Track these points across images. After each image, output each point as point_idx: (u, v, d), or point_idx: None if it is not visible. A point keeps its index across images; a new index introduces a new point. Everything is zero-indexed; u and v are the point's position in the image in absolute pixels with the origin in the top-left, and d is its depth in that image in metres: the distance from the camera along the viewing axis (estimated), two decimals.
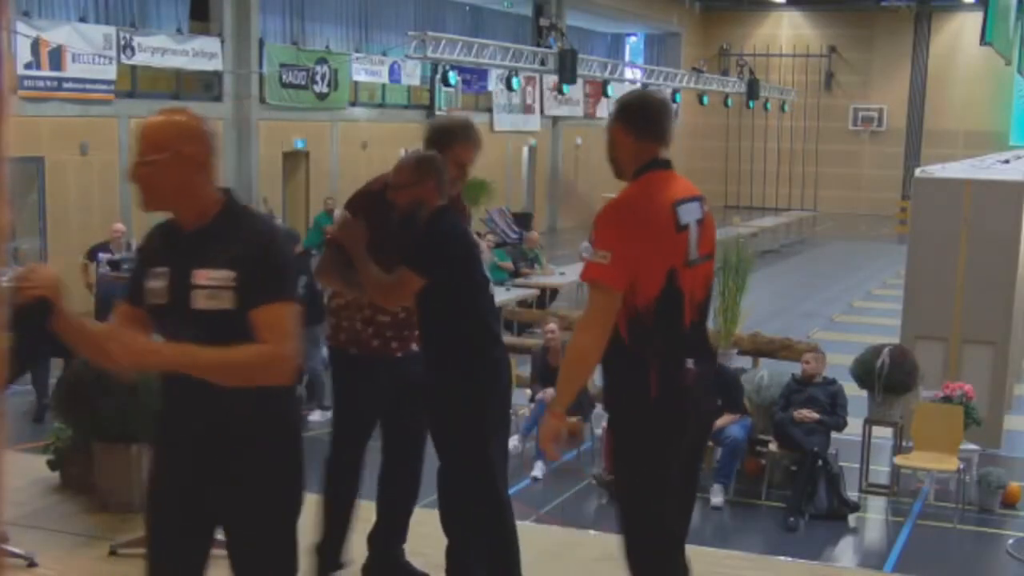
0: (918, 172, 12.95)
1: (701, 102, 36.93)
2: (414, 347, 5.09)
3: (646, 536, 4.11)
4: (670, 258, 3.93)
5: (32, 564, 5.65)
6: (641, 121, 4.06)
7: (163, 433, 3.53)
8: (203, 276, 3.30)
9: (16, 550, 5.64)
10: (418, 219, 4.67)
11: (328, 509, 5.35)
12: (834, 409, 10.11)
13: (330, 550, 5.35)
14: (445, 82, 25.18)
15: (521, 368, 11.58)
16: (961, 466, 9.90)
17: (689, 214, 4.02)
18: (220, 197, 3.46)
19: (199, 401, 3.33)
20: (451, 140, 4.92)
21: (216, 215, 3.42)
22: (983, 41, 20.17)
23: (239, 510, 3.45)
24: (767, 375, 10.96)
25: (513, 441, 11.11)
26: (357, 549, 5.42)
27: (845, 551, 9.40)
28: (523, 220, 25.77)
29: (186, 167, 3.37)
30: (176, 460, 3.46)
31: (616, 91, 32.19)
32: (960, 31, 40.46)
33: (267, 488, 3.42)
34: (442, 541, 4.96)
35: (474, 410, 4.74)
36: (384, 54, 26.58)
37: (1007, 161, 15.24)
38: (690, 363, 3.98)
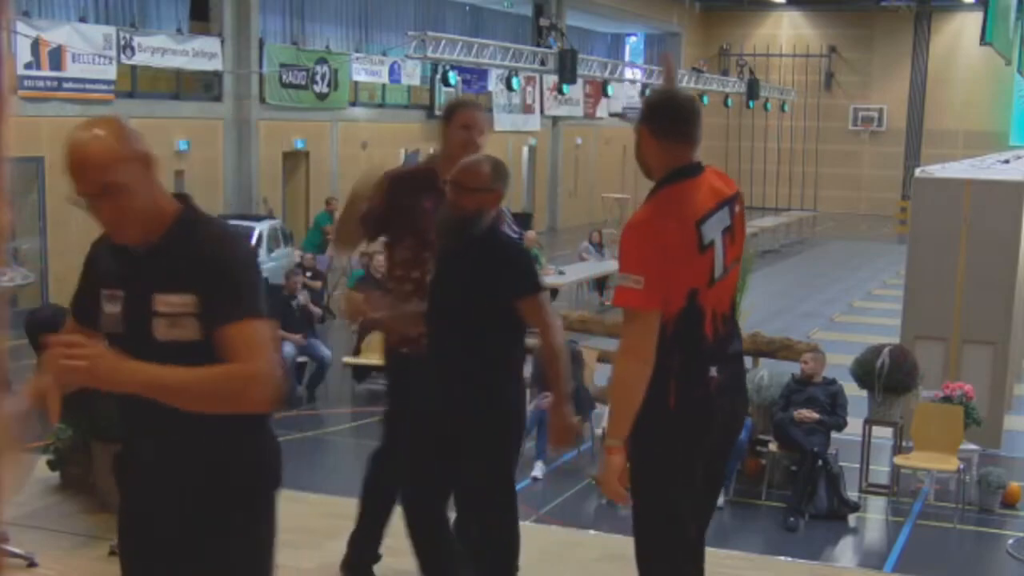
0: (918, 172, 12.94)
1: (701, 102, 36.90)
2: None
3: (659, 541, 4.07)
4: (692, 279, 3.81)
5: (32, 564, 5.65)
6: (665, 122, 3.87)
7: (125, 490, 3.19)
8: (163, 302, 2.92)
9: (16, 550, 5.64)
10: (479, 225, 4.49)
11: (370, 502, 5.29)
12: (834, 409, 10.11)
13: (368, 543, 5.32)
14: (445, 82, 25.17)
15: None
16: (961, 466, 9.91)
17: (714, 228, 3.86)
18: (176, 205, 3.02)
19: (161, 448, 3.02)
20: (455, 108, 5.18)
21: (169, 227, 2.98)
22: (983, 41, 20.18)
23: None
24: (767, 375, 10.96)
25: None
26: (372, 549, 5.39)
27: (845, 551, 9.40)
28: (523, 220, 25.78)
29: (148, 172, 2.93)
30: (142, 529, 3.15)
31: (616, 91, 32.28)
32: (960, 31, 40.47)
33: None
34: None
35: (517, 428, 4.68)
36: (384, 54, 26.59)
37: (1007, 161, 15.25)
38: (713, 371, 3.89)
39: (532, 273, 4.60)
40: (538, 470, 10.53)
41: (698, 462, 3.96)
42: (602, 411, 10.71)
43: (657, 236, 3.76)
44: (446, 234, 4.57)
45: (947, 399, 10.38)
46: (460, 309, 4.47)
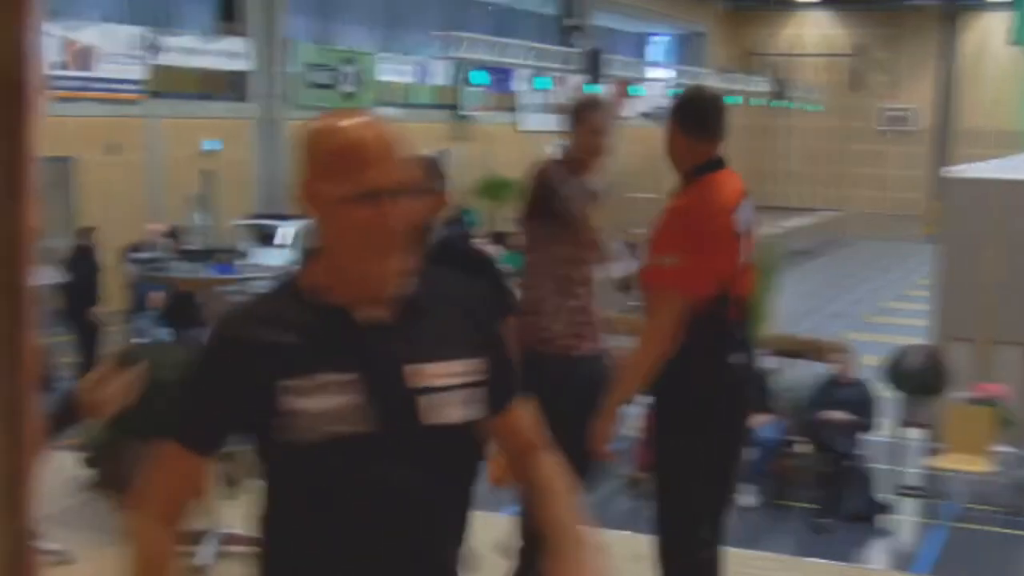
0: (947, 172, 12.87)
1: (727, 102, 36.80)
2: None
3: (680, 534, 4.10)
4: (724, 267, 3.95)
5: (66, 561, 5.67)
6: (692, 119, 4.05)
7: None
8: (436, 373, 2.12)
9: (51, 547, 5.66)
10: (427, 238, 4.34)
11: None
12: (865, 410, 10.06)
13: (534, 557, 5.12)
14: (471, 82, 25.22)
15: None
16: (993, 468, 9.84)
17: (743, 218, 4.03)
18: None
19: None
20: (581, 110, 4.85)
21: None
22: (1011, 42, 20.08)
23: None
24: (797, 376, 10.91)
25: None
26: None
27: (876, 553, 9.36)
28: None
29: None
30: None
31: (644, 91, 32.24)
32: (988, 30, 40.25)
33: None
34: (472, 539, 4.90)
35: None
36: (410, 54, 26.61)
37: None
38: (735, 358, 4.04)
39: (506, 291, 4.54)
40: None
41: (720, 449, 4.03)
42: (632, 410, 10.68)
43: (699, 222, 3.90)
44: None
45: (978, 400, 10.32)
46: None
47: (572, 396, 4.49)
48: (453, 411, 2.11)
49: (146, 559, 2.14)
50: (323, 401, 2.03)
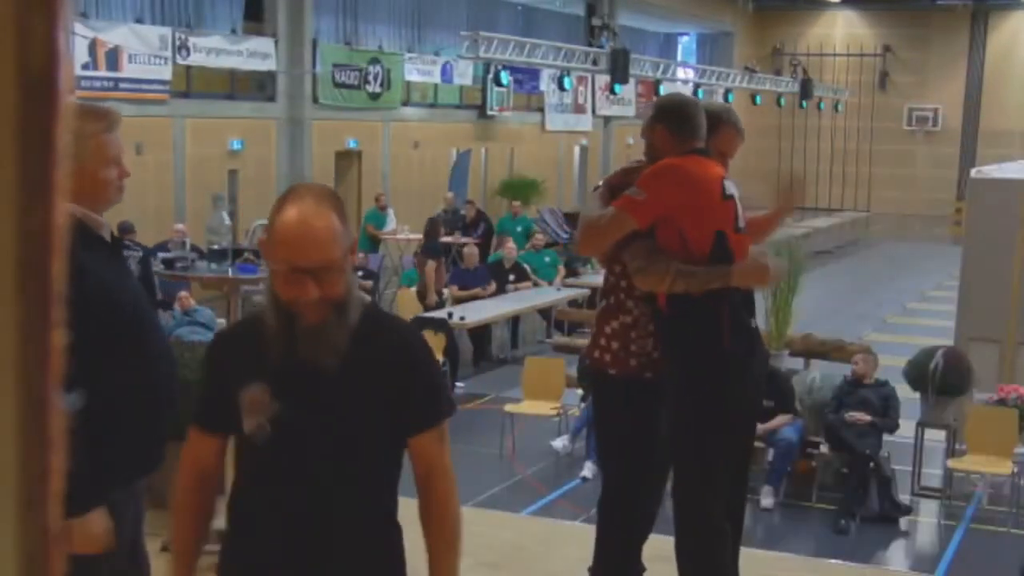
0: (974, 173, 12.83)
1: (754, 102, 36.73)
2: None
3: (698, 502, 4.25)
4: (718, 222, 4.34)
5: None
6: (679, 122, 4.49)
7: None
8: None
9: None
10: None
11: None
12: (886, 411, 10.04)
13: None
14: (497, 82, 25.23)
15: (570, 368, 11.59)
16: (1016, 469, 9.81)
17: (731, 187, 4.44)
18: None
19: None
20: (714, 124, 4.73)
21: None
22: None
23: None
24: (819, 377, 10.90)
25: (564, 441, 11.14)
26: None
27: (896, 554, 9.34)
28: (574, 220, 25.73)
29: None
30: None
31: (668, 91, 32.16)
32: (1018, 30, 40.03)
33: None
34: (494, 539, 4.97)
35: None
36: (436, 54, 26.66)
37: None
38: (752, 322, 4.47)
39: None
40: (587, 470, 10.52)
41: (738, 414, 4.27)
42: None
43: (681, 172, 4.37)
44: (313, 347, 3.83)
45: (1002, 402, 10.28)
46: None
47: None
48: None
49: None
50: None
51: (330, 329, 2.69)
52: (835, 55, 43.23)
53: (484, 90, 27.77)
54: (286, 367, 2.72)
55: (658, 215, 4.31)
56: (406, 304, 15.63)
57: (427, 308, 15.46)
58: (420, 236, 18.24)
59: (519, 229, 20.90)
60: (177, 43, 19.29)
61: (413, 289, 16.47)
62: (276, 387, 2.74)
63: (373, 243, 20.69)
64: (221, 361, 2.92)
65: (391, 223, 21.41)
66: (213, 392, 2.92)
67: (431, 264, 16.55)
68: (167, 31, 19.22)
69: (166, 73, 19.13)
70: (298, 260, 2.62)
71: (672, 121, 4.48)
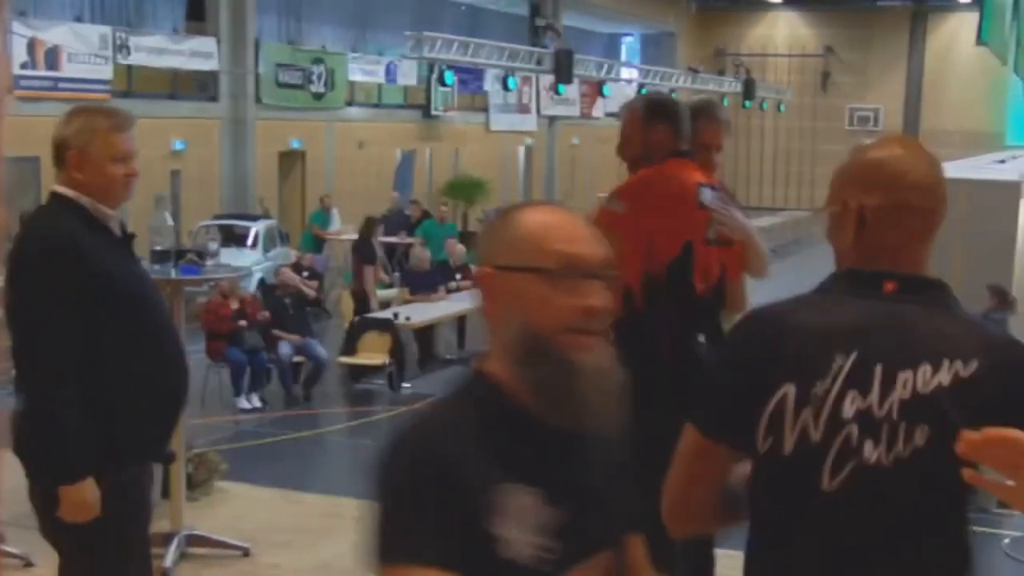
0: None
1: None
2: None
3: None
4: (688, 231, 4.23)
5: (29, 564, 5.64)
6: (683, 121, 4.42)
7: None
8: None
9: (13, 550, 5.63)
10: None
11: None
12: None
13: None
14: (441, 82, 25.18)
15: None
16: None
17: (708, 196, 4.30)
18: None
19: None
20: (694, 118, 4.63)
21: None
22: (979, 41, 20.18)
23: None
24: None
25: None
26: None
27: None
28: None
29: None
30: None
31: (612, 91, 32.27)
32: (957, 31, 40.48)
33: None
34: None
35: None
36: (380, 54, 26.58)
37: (1003, 161, 15.26)
38: (701, 338, 4.26)
39: None
40: None
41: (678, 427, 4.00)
42: None
43: (654, 186, 4.28)
44: None
45: None
46: None
47: None
48: None
49: None
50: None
51: None
52: (777, 56, 43.53)
53: (428, 90, 27.70)
54: None
55: (641, 228, 4.16)
56: (348, 304, 15.55)
57: (369, 311, 15.37)
58: None
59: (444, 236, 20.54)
60: (118, 43, 19.09)
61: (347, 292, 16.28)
62: None
63: (318, 244, 20.57)
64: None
65: (335, 223, 21.28)
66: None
67: (368, 270, 16.24)
68: (107, 30, 19.02)
69: (106, 73, 18.92)
70: None
71: (674, 120, 4.39)
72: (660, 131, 4.37)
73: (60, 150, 3.53)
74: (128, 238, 3.79)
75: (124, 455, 3.55)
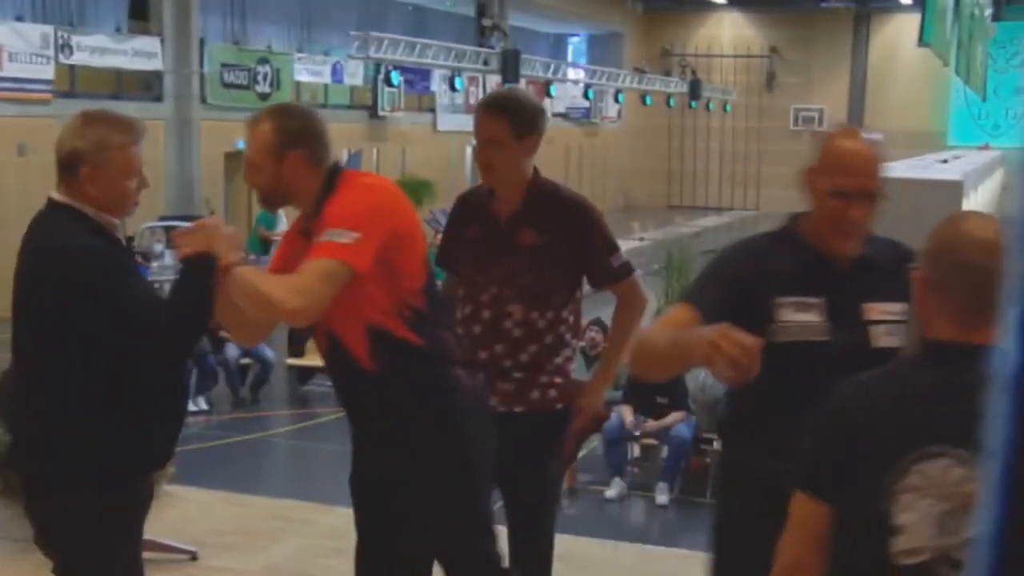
0: None
1: (644, 102, 37.05)
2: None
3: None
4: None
5: (194, 557, 5.63)
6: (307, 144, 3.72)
7: None
8: (882, 311, 3.05)
9: (179, 544, 5.61)
10: None
11: None
12: None
13: None
14: (388, 82, 25.11)
15: None
16: None
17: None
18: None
19: None
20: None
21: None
22: (921, 42, 20.38)
23: None
24: (711, 374, 10.99)
25: None
26: None
27: None
28: None
29: None
30: None
31: (558, 91, 32.34)
32: (899, 32, 40.88)
33: None
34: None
35: None
36: (326, 54, 26.47)
37: (945, 161, 15.42)
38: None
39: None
40: None
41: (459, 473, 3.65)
42: None
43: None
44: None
45: None
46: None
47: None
48: (890, 339, 2.96)
49: None
50: (801, 316, 2.99)
51: None
52: (723, 56, 43.78)
53: (375, 91, 27.62)
54: None
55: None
56: None
57: None
58: None
59: None
60: (60, 42, 18.89)
61: None
62: None
63: (264, 245, 20.43)
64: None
65: (282, 224, 21.13)
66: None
67: None
68: (49, 29, 18.82)
69: (48, 73, 18.72)
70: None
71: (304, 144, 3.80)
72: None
73: (71, 161, 3.39)
74: (130, 247, 3.74)
75: (138, 465, 3.52)
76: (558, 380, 4.10)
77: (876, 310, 3.01)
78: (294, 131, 3.58)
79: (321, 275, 3.24)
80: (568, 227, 4.03)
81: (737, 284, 3.04)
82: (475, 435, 3.58)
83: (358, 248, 3.28)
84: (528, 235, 4.02)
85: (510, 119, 4.01)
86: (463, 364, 3.65)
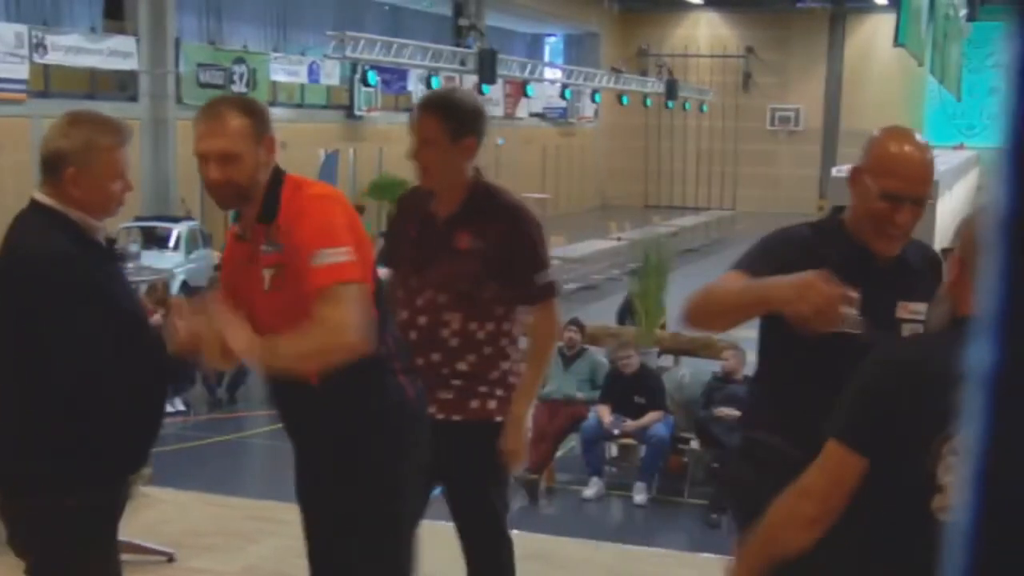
0: (835, 171, 13.09)
1: (621, 102, 37.10)
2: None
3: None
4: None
5: (171, 559, 5.61)
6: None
7: None
8: (913, 310, 3.07)
9: (157, 547, 5.59)
10: None
11: None
12: None
13: None
14: (364, 82, 25.08)
15: None
16: None
17: None
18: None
19: None
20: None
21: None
22: (896, 42, 20.47)
23: None
24: (688, 374, 11.02)
25: None
26: None
27: None
28: None
29: None
30: None
31: (536, 91, 32.36)
32: (874, 32, 41.06)
33: None
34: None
35: None
36: (303, 54, 26.42)
37: None
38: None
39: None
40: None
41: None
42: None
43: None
44: None
45: None
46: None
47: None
48: None
49: None
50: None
51: None
52: (699, 56, 43.88)
53: (352, 90, 27.60)
54: None
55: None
56: None
57: None
58: None
59: None
60: (34, 41, 18.79)
61: None
62: None
63: None
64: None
65: None
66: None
67: None
68: (23, 29, 18.72)
69: (22, 72, 18.62)
70: None
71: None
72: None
73: (55, 161, 3.35)
74: (112, 248, 3.70)
75: (117, 469, 3.49)
76: (499, 392, 3.99)
77: (907, 308, 3.06)
78: (263, 114, 3.60)
79: (346, 302, 3.20)
80: (502, 233, 3.93)
81: (784, 272, 3.05)
82: (416, 443, 3.56)
83: (355, 264, 3.26)
84: (463, 238, 3.93)
85: (445, 119, 3.95)
86: (406, 371, 3.58)
